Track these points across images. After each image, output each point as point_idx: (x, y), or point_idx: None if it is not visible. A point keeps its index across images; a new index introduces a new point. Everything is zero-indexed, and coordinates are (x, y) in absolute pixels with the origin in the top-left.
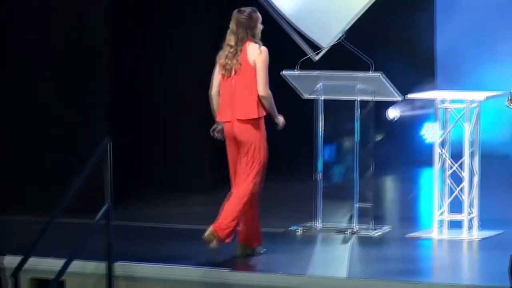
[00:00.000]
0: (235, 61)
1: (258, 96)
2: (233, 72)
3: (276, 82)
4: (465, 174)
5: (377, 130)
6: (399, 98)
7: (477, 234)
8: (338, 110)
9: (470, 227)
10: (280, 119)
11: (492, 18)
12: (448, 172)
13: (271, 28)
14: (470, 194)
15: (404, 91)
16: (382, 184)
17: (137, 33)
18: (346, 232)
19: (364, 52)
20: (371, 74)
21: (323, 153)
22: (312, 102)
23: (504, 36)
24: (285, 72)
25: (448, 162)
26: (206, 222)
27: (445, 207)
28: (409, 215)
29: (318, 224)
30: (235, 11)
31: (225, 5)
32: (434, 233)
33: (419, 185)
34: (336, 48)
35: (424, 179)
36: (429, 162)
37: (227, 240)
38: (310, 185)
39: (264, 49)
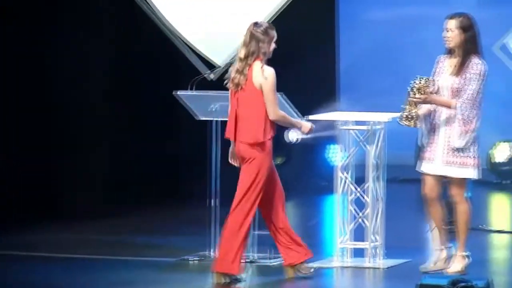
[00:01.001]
0: (242, 77)
1: (265, 118)
2: (239, 88)
3: (169, 101)
4: (369, 199)
5: (277, 153)
6: (299, 120)
7: (381, 262)
8: None
9: (374, 255)
10: (305, 125)
11: (395, 36)
12: (351, 197)
13: (164, 45)
14: (374, 221)
15: (304, 112)
16: None
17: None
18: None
19: None
20: None
21: (219, 177)
22: (206, 124)
23: (407, 54)
24: (179, 93)
25: (351, 187)
26: None
27: (348, 234)
28: (310, 242)
29: (213, 253)
30: (251, 24)
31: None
32: (336, 262)
33: (320, 211)
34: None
35: (326, 205)
36: (331, 187)
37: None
38: (205, 211)
39: (270, 73)
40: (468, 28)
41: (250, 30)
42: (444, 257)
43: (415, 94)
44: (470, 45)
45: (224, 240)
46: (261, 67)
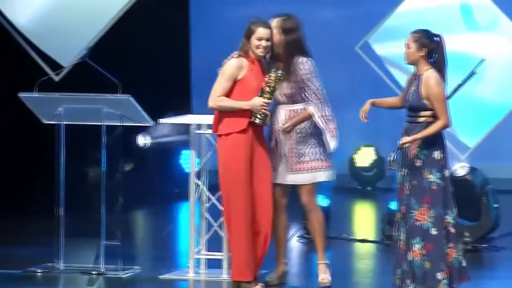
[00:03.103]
0: None
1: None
2: None
3: (14, 105)
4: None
5: (127, 158)
6: (150, 123)
7: None
8: (83, 136)
9: (230, 266)
10: (256, 101)
11: None
12: (206, 206)
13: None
14: None
15: (157, 115)
16: (132, 220)
17: None
18: (92, 273)
19: (112, 73)
20: (118, 96)
21: (66, 185)
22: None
23: None
24: (22, 95)
25: (206, 194)
26: None
27: (203, 244)
28: (163, 253)
29: (61, 264)
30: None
31: None
32: (190, 273)
33: (174, 220)
34: (81, 68)
35: (180, 213)
36: (185, 194)
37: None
38: (51, 220)
39: (227, 62)
40: (290, 30)
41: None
42: (283, 270)
43: (269, 88)
44: (293, 48)
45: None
46: (229, 59)
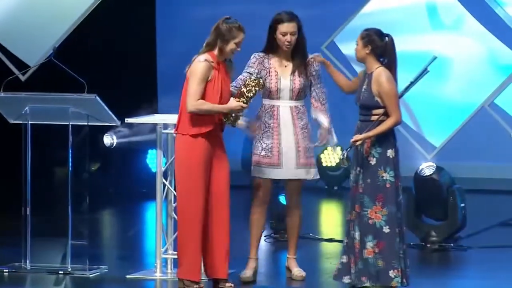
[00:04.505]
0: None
1: (183, 111)
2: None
3: None
4: None
5: (94, 158)
6: (117, 123)
7: (204, 273)
8: (49, 136)
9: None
10: (233, 104)
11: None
12: (173, 205)
13: None
14: None
15: (123, 115)
16: (99, 219)
17: None
18: (59, 273)
19: (79, 72)
20: (85, 96)
21: (33, 185)
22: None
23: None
24: None
25: (173, 194)
26: None
27: (169, 244)
28: (130, 253)
29: (28, 264)
30: (223, 17)
31: None
32: (157, 273)
33: (141, 220)
34: (48, 67)
35: (147, 213)
36: (151, 194)
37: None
38: (18, 220)
39: (197, 61)
40: (300, 28)
41: (217, 22)
42: (256, 266)
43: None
44: (305, 45)
45: None
46: (197, 57)
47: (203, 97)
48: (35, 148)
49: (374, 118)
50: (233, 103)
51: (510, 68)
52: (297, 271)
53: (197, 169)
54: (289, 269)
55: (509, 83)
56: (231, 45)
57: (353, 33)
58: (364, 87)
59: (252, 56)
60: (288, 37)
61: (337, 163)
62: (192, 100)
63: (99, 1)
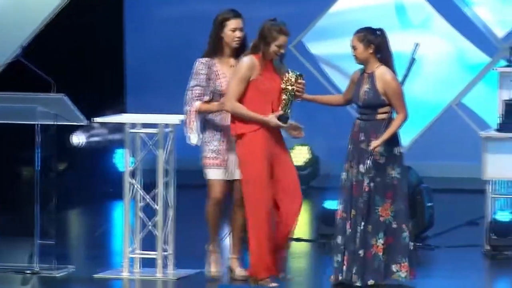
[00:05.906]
0: None
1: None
2: None
3: None
4: (159, 206)
5: (61, 158)
6: (84, 122)
7: (172, 273)
8: (16, 135)
9: (165, 265)
10: (272, 121)
11: (185, 35)
12: (140, 205)
13: None
14: (164, 229)
15: (91, 114)
16: (66, 219)
17: None
18: (26, 272)
19: (47, 72)
20: (52, 95)
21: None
22: None
23: (199, 54)
24: None
25: (140, 193)
26: None
27: (137, 243)
28: (98, 252)
29: None
30: (268, 19)
31: None
32: (124, 273)
33: (108, 219)
34: (15, 67)
35: (114, 212)
36: (119, 194)
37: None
38: None
39: (241, 60)
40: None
41: (262, 23)
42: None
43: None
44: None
45: None
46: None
47: (244, 95)
48: (2, 148)
49: (380, 117)
50: (272, 119)
51: (478, 67)
52: (239, 271)
53: (261, 163)
54: (232, 270)
55: (477, 83)
56: (272, 47)
57: (321, 32)
58: (367, 86)
59: (198, 63)
60: (237, 33)
61: (304, 163)
62: (231, 100)
63: (67, 1)
